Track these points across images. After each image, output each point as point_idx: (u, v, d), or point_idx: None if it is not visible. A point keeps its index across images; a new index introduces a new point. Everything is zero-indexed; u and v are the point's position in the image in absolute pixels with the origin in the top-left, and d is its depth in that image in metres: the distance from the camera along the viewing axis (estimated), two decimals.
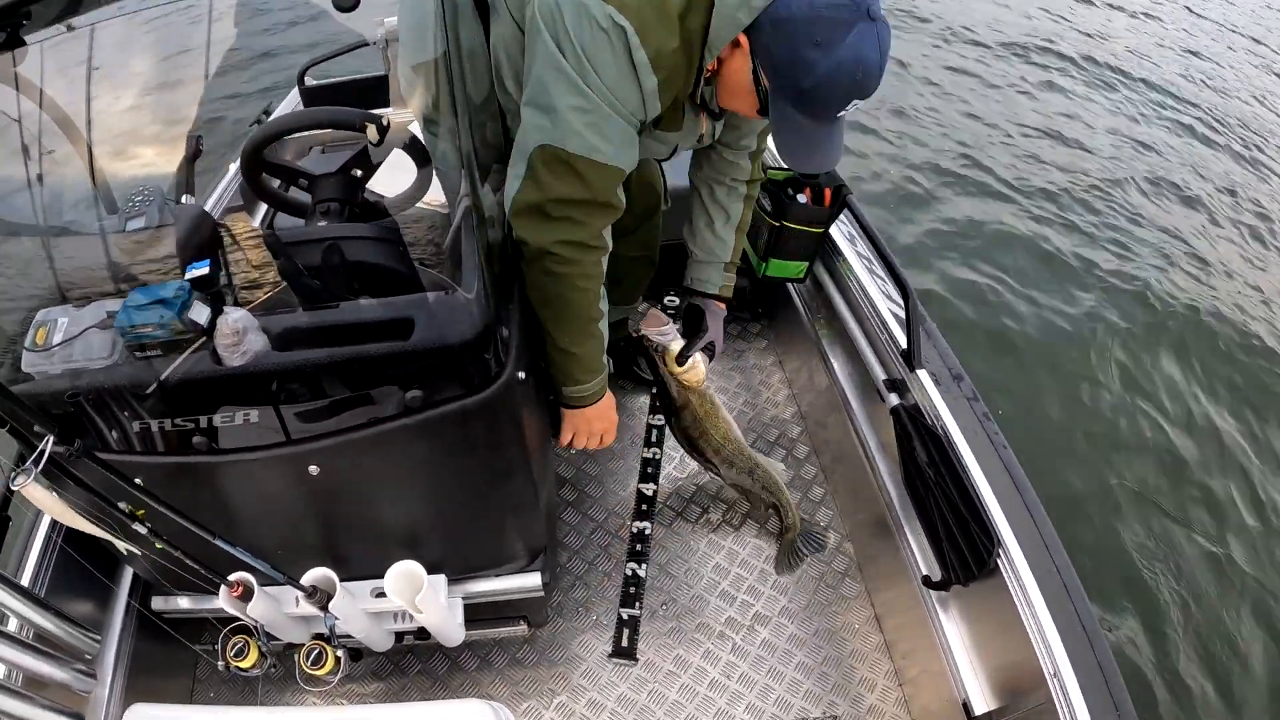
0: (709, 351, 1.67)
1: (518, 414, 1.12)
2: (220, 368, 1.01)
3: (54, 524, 1.37)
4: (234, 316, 1.01)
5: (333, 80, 2.37)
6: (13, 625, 1.19)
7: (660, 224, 1.84)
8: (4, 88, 1.07)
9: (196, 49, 1.49)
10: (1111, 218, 4.47)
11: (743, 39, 1.09)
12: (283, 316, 1.05)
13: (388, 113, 1.30)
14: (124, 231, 1.15)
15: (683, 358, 1.61)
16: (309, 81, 2.45)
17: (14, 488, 0.81)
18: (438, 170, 1.35)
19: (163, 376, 1.03)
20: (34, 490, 0.83)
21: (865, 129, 5.01)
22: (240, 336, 1.01)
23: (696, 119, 1.34)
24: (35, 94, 1.08)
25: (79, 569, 1.35)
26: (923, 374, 1.53)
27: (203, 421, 1.06)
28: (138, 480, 1.02)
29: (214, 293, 1.08)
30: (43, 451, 0.83)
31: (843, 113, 1.09)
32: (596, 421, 1.52)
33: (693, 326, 1.70)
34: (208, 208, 1.50)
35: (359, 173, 1.36)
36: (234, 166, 1.75)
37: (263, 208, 1.75)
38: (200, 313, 1.05)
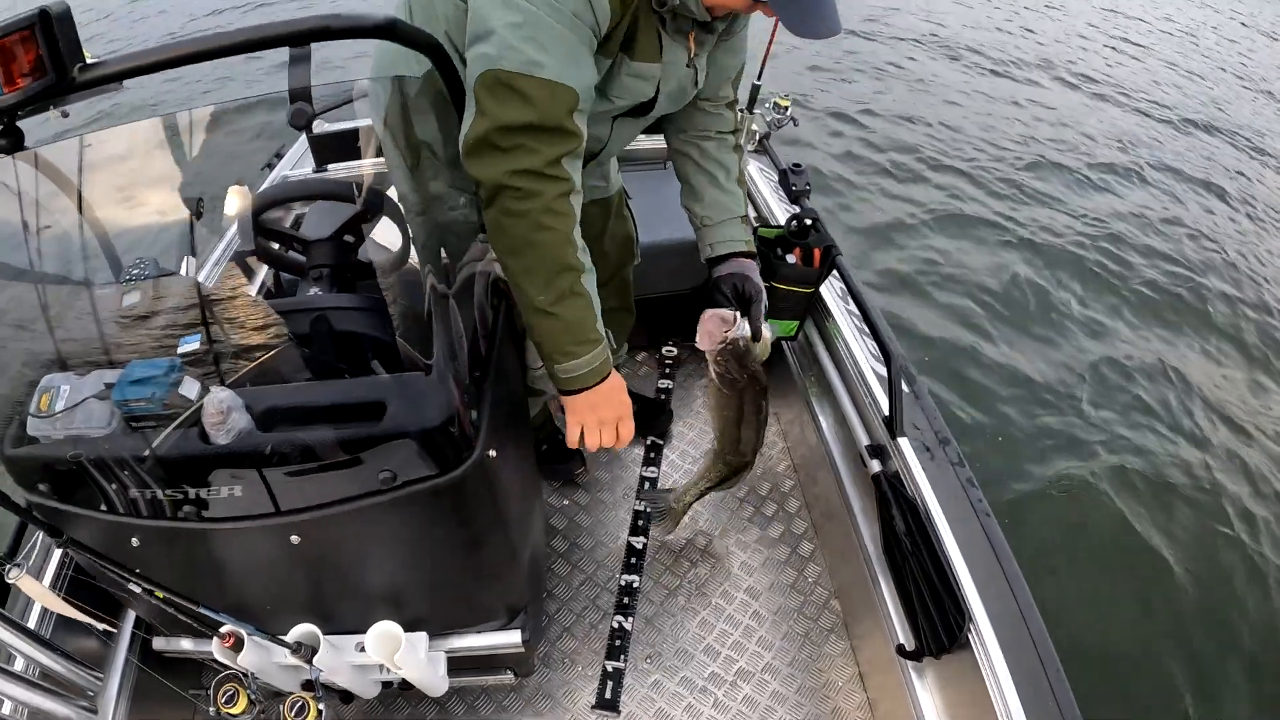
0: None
1: (491, 489, 1.16)
2: (206, 446, 1.07)
3: (60, 565, 1.44)
4: (219, 397, 1.06)
5: (340, 127, 2.41)
6: (19, 664, 1.26)
7: (632, 278, 1.88)
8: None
9: (198, 102, 1.55)
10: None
11: None
12: (266, 391, 1.10)
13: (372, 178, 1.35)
14: (120, 308, 1.21)
15: (757, 334, 1.49)
16: (317, 128, 2.50)
17: (9, 580, 0.87)
18: (414, 244, 1.36)
19: (151, 448, 1.09)
20: (27, 583, 0.88)
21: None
22: (225, 416, 1.06)
23: (679, 45, 1.28)
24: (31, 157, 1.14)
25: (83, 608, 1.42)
26: (904, 442, 1.54)
27: (191, 492, 1.12)
28: (134, 541, 1.08)
29: (204, 369, 1.15)
30: (32, 547, 0.89)
31: None
32: (604, 408, 1.29)
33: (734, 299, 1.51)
34: (209, 266, 1.56)
35: (351, 239, 1.42)
36: (232, 230, 1.80)
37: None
38: (190, 388, 1.11)
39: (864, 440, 1.68)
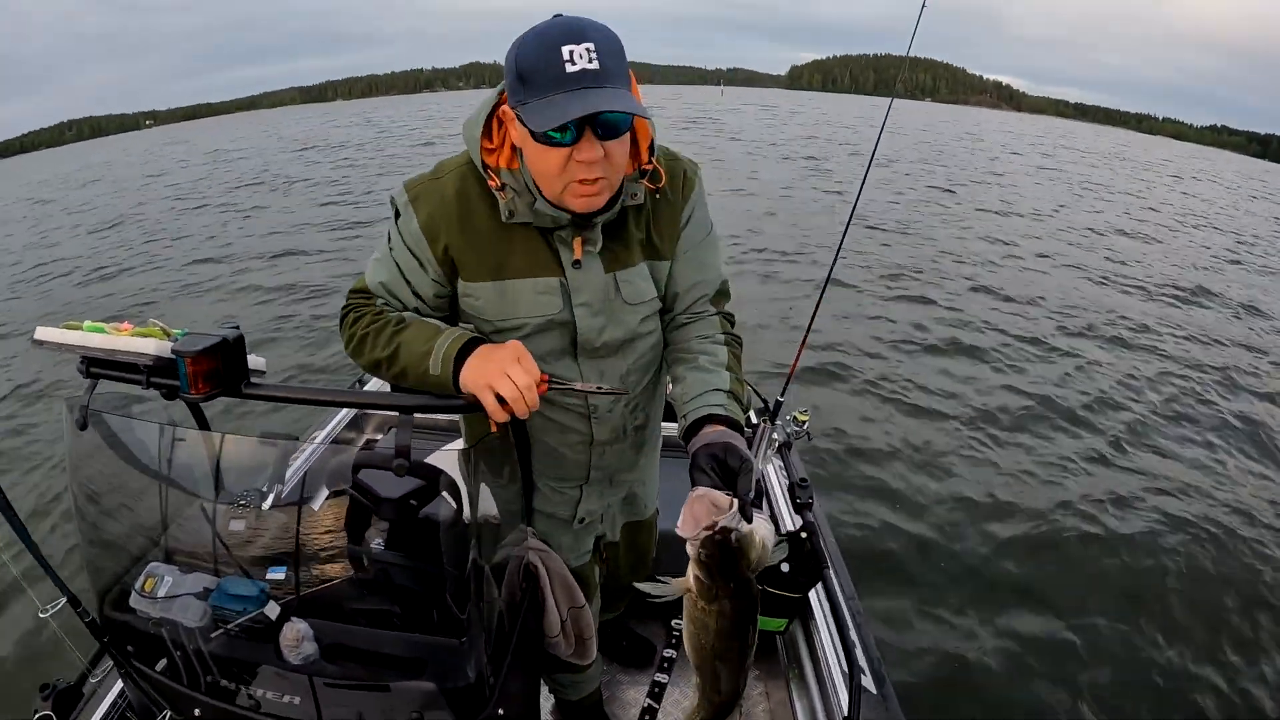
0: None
1: None
2: (278, 662, 1.32)
3: (114, 702, 1.69)
4: (299, 628, 1.34)
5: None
6: None
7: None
8: None
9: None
10: None
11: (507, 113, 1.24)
12: (333, 629, 1.37)
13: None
14: (227, 529, 1.51)
15: (747, 516, 1.12)
16: None
17: None
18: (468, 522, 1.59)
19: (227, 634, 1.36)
20: None
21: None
22: (299, 643, 1.33)
23: (585, 253, 1.35)
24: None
25: None
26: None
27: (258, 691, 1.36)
28: (197, 711, 1.33)
29: (285, 593, 1.43)
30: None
31: (573, 66, 1.09)
32: (490, 360, 1.22)
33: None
34: (288, 486, 1.87)
35: (415, 502, 1.72)
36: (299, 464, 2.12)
37: None
38: (272, 610, 1.39)
39: None
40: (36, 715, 1.58)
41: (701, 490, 1.12)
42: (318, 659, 1.33)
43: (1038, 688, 3.53)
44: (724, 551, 1.09)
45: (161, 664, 1.42)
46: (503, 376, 1.19)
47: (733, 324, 1.54)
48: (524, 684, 1.59)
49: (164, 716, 1.38)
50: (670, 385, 1.49)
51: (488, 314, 1.37)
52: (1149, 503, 5.11)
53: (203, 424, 1.51)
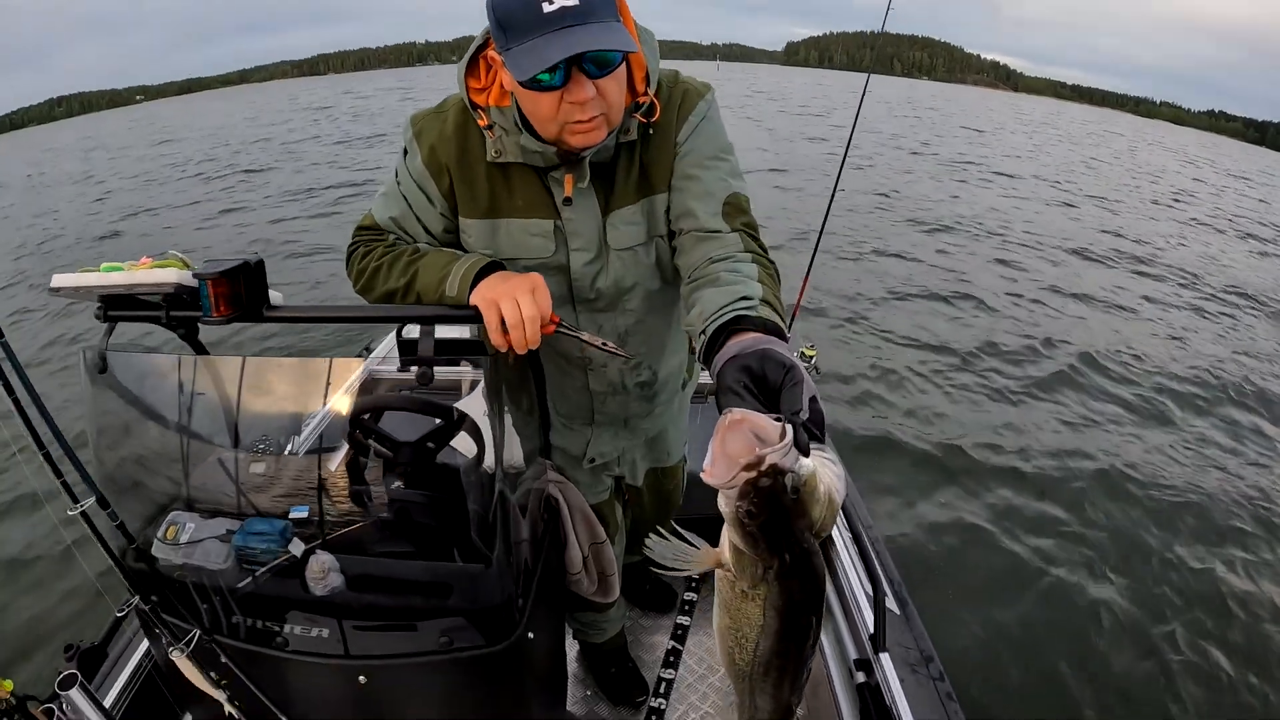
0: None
1: (527, 662, 1.41)
2: (305, 594, 1.34)
3: (140, 663, 1.74)
4: (323, 559, 1.35)
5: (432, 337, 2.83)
6: None
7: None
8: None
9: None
10: None
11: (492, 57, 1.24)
12: (358, 561, 1.38)
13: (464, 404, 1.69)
14: (248, 473, 1.52)
15: (804, 449, 0.74)
16: (406, 333, 2.93)
17: (172, 657, 1.24)
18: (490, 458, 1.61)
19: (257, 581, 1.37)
20: (183, 661, 1.23)
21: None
22: (325, 574, 1.35)
23: (581, 194, 1.31)
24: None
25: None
26: (885, 657, 1.74)
27: (285, 627, 1.37)
28: (223, 658, 1.34)
29: (309, 533, 1.44)
30: (192, 638, 1.23)
31: (550, 6, 1.04)
32: (504, 282, 1.19)
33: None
34: (302, 438, 1.87)
35: (432, 445, 1.74)
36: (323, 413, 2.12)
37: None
38: (297, 547, 1.40)
39: (853, 655, 1.86)
40: (61, 675, 1.59)
41: (738, 413, 0.73)
42: (344, 589, 1.35)
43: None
44: (774, 505, 0.72)
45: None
46: (511, 299, 1.15)
47: (760, 243, 1.25)
48: (549, 616, 1.61)
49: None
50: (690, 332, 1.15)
51: (478, 251, 1.38)
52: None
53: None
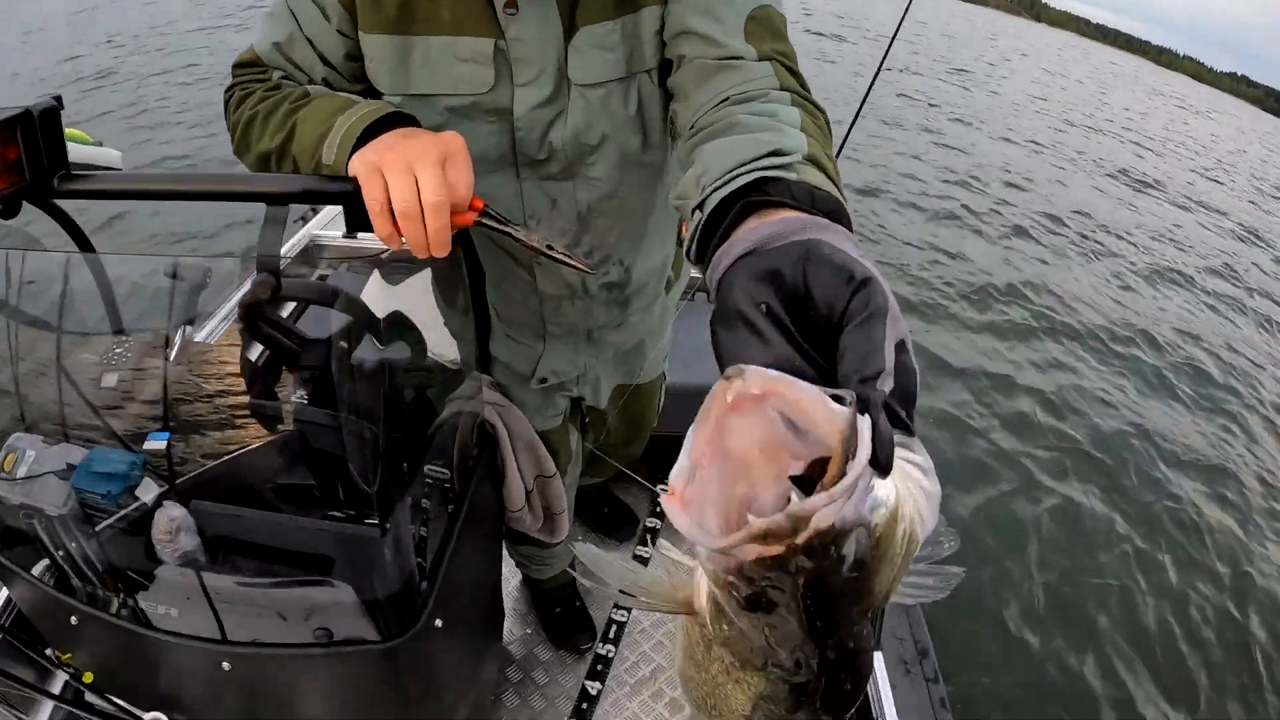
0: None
1: (430, 659, 1.10)
2: (149, 562, 1.03)
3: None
4: (171, 515, 1.03)
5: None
6: None
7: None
8: None
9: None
10: None
11: None
12: (219, 517, 1.06)
13: None
14: (98, 388, 1.19)
15: (885, 459, 0.36)
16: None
17: None
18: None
19: (95, 534, 1.06)
20: None
21: None
22: (174, 535, 1.03)
23: (531, 6, 0.90)
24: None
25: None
26: (878, 655, 1.57)
27: (132, 598, 1.08)
28: (73, 620, 1.05)
29: (168, 471, 1.12)
30: None
31: None
32: (399, 144, 0.80)
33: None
34: (202, 337, 1.51)
35: (345, 344, 1.37)
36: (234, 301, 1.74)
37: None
38: (148, 491, 1.08)
39: None
40: None
41: (754, 375, 0.36)
42: (199, 555, 1.04)
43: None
44: (810, 590, 0.37)
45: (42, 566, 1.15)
46: (406, 171, 0.76)
47: (802, 80, 0.84)
48: (475, 575, 1.31)
49: None
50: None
51: (383, 84, 0.96)
52: None
53: (84, 244, 1.13)
